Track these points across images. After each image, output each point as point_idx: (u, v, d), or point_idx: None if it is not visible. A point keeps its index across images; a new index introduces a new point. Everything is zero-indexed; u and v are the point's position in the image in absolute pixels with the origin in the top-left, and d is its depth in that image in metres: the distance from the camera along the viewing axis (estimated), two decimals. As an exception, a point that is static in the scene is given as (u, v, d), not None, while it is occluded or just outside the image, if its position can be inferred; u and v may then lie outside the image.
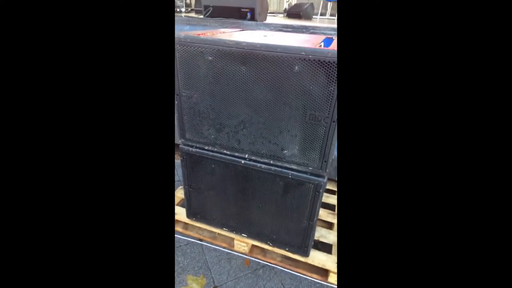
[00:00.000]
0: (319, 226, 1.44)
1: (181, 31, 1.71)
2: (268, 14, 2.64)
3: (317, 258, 1.23)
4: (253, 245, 1.32)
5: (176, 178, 1.90)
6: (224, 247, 1.37)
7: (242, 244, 1.30)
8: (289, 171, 1.04)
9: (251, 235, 1.29)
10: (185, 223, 1.43)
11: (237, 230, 1.30)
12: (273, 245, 1.26)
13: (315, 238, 1.33)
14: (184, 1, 3.64)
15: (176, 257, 1.31)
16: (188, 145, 1.15)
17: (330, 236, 1.36)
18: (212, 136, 1.08)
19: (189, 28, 1.74)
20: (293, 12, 3.04)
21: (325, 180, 1.01)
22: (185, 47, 0.93)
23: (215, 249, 1.36)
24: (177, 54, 0.96)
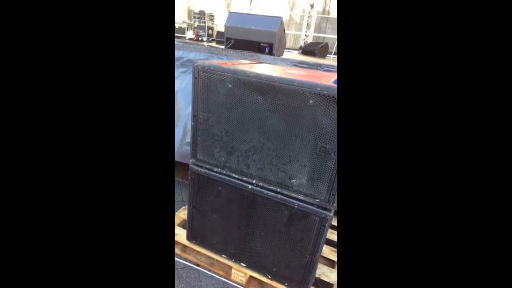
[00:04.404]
0: (321, 263, 1.38)
1: (204, 59, 1.82)
2: (284, 50, 2.81)
3: (317, 297, 1.16)
4: (251, 276, 1.27)
5: (180, 198, 1.89)
6: (221, 275, 1.31)
7: (239, 274, 1.25)
8: (295, 201, 1.03)
9: (250, 265, 1.24)
10: (184, 246, 1.40)
11: (236, 258, 1.26)
12: (272, 279, 1.21)
13: (316, 275, 1.27)
14: (206, 32, 3.92)
15: (170, 281, 1.26)
16: (198, 165, 1.17)
17: (332, 275, 1.30)
18: (223, 158, 1.11)
19: (211, 57, 1.86)
20: (308, 50, 3.22)
21: (331, 214, 1.00)
22: (207, 73, 1.00)
23: (212, 277, 1.31)
24: (199, 80, 1.02)
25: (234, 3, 7.18)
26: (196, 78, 1.02)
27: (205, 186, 1.18)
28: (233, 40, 1.98)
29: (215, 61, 1.09)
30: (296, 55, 3.06)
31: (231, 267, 1.28)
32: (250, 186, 1.09)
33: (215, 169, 1.14)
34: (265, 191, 1.07)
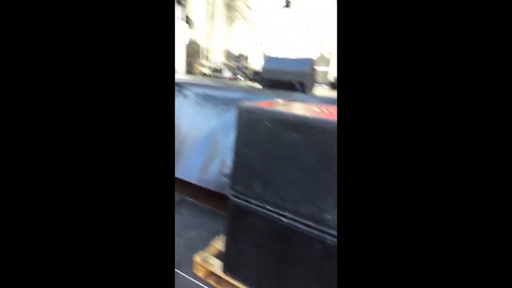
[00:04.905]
0: (360, 307, 1.29)
1: (246, 101, 2.00)
2: (316, 85, 2.94)
3: None
4: (284, 315, 1.23)
5: (215, 228, 1.95)
6: (253, 311, 1.29)
7: (273, 311, 1.23)
8: (330, 237, 1.03)
9: (283, 303, 1.21)
10: (218, 277, 1.42)
11: (270, 293, 1.25)
12: (307, 319, 1.16)
13: (355, 321, 1.19)
14: (243, 71, 4.27)
15: (204, 312, 1.28)
16: (236, 197, 1.24)
17: (373, 323, 1.21)
18: (260, 191, 1.17)
19: (248, 96, 2.04)
20: (338, 85, 3.31)
21: (369, 252, 0.98)
22: (249, 113, 1.12)
23: (244, 312, 1.30)
24: (242, 119, 1.15)
25: (267, 42, 7.79)
26: (239, 117, 1.15)
27: (242, 217, 1.24)
28: (268, 80, 2.16)
29: (255, 102, 1.23)
30: (326, 91, 3.18)
31: (264, 303, 1.26)
32: (285, 220, 1.13)
33: (252, 201, 1.20)
34: (300, 225, 1.10)
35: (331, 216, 1.03)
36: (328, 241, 1.04)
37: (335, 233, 1.03)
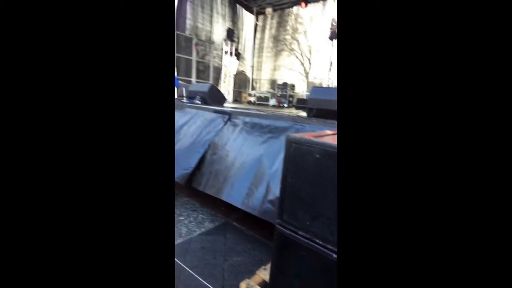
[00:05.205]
0: None
1: (291, 129, 2.05)
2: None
3: None
4: None
5: (258, 256, 1.94)
6: None
7: None
8: (387, 280, 0.95)
9: None
10: (262, 308, 1.39)
11: (317, 335, 1.16)
12: None
13: None
14: (287, 99, 4.40)
15: None
16: (283, 226, 1.25)
17: None
18: (307, 222, 1.16)
19: (294, 125, 2.09)
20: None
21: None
22: (298, 145, 1.16)
23: None
24: (291, 149, 1.19)
25: (312, 72, 7.93)
26: (287, 148, 1.19)
27: (289, 248, 1.22)
28: (314, 110, 2.19)
29: (304, 134, 1.26)
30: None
31: None
32: (334, 255, 1.08)
33: (300, 232, 1.19)
34: (351, 263, 1.03)
35: (387, 257, 0.95)
36: (383, 284, 0.95)
37: (392, 276, 0.94)
